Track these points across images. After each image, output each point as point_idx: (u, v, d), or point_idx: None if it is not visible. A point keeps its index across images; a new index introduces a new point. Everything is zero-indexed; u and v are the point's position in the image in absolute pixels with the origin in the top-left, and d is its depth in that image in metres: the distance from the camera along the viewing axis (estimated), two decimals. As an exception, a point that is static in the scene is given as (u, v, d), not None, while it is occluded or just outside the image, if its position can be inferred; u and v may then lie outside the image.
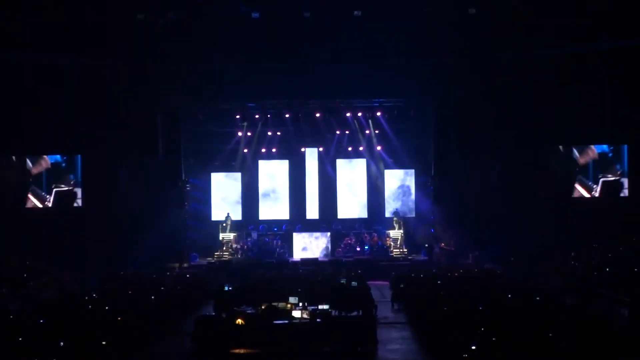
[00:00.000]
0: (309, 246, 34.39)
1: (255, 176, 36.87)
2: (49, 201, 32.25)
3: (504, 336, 13.83)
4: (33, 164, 32.36)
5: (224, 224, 34.81)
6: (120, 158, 32.08)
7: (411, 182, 36.49)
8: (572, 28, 27.17)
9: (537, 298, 18.82)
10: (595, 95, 30.14)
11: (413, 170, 36.42)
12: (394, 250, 33.72)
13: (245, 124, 35.04)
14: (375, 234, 34.60)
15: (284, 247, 34.20)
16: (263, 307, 18.53)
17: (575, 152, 32.77)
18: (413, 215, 36.12)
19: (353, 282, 22.65)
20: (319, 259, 32.42)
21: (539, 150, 32.59)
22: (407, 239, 34.58)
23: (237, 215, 35.76)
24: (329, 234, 34.64)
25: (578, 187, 32.61)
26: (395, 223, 34.61)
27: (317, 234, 34.70)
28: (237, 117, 34.44)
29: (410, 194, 36.45)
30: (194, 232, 35.33)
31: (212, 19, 27.32)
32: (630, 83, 29.45)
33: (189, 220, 34.96)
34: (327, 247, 34.30)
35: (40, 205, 32.13)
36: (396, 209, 35.57)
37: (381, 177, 36.60)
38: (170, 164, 33.58)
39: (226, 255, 33.76)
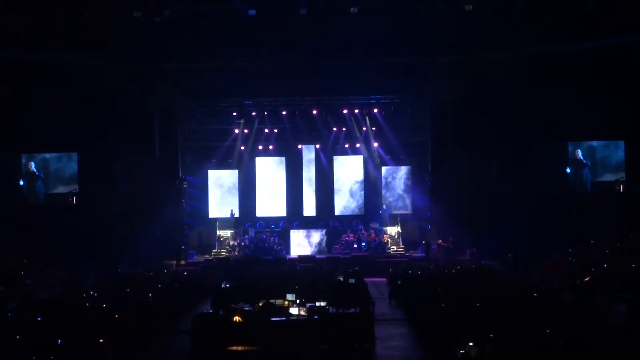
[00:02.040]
0: (304, 243, 34.42)
1: (252, 173, 36.86)
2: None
3: (502, 333, 13.84)
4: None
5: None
6: (117, 156, 32.03)
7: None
8: (570, 25, 27.15)
9: (535, 295, 18.83)
10: (592, 92, 30.06)
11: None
12: (391, 247, 33.78)
13: (242, 121, 35.12)
14: (373, 231, 34.60)
15: (281, 244, 34.21)
16: (260, 304, 18.52)
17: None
18: (407, 210, 36.14)
19: (350, 279, 22.65)
20: (317, 257, 32.37)
21: (537, 146, 32.52)
22: (404, 236, 34.61)
23: (234, 212, 35.75)
24: (324, 231, 34.67)
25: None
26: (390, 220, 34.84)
27: (311, 231, 34.72)
28: (234, 114, 34.54)
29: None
30: (191, 230, 35.33)
31: (208, 16, 27.27)
32: (628, 79, 29.41)
33: (186, 218, 34.99)
34: (319, 244, 34.33)
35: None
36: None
37: (378, 173, 36.60)
38: (167, 162, 33.70)
39: (224, 253, 33.82)
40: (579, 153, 32.49)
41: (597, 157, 32.42)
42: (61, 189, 32.61)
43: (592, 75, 29.61)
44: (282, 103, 34.19)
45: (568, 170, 32.45)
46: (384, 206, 35.74)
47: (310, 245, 34.39)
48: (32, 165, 32.45)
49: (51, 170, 32.73)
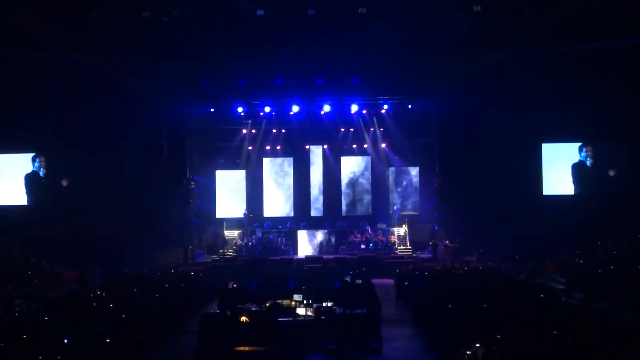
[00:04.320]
0: (312, 243, 34.49)
1: (260, 173, 36.91)
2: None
3: (508, 334, 13.83)
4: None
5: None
6: (125, 155, 32.00)
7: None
8: (573, 27, 27.10)
9: (542, 296, 18.80)
10: (597, 93, 30.07)
11: (405, 167, 36.58)
12: (399, 247, 33.79)
13: (249, 121, 35.09)
14: (380, 232, 34.63)
15: (289, 244, 34.26)
16: (267, 304, 18.53)
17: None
18: (414, 211, 36.16)
19: (358, 280, 22.64)
20: (324, 257, 32.37)
21: (544, 147, 32.51)
22: (412, 237, 34.63)
23: (241, 212, 35.84)
24: (331, 231, 34.74)
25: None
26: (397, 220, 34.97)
27: (319, 232, 34.77)
28: (242, 114, 34.40)
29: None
30: (198, 230, 35.36)
31: (217, 16, 27.29)
32: (632, 81, 29.34)
33: (193, 218, 34.98)
34: (326, 244, 34.39)
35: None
36: (396, 207, 35.80)
37: (386, 174, 36.61)
38: (175, 162, 33.66)
39: (231, 253, 33.86)
40: (582, 154, 32.37)
41: (609, 158, 32.26)
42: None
43: (598, 76, 29.57)
44: (290, 103, 34.15)
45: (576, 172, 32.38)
46: (395, 207, 35.78)
47: (317, 246, 34.44)
48: (36, 164, 32.30)
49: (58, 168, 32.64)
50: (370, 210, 36.94)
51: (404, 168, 36.56)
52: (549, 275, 25.81)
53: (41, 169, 32.21)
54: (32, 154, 32.29)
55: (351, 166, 37.11)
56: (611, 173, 31.66)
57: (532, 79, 30.59)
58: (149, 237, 30.82)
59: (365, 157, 36.99)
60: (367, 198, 37.04)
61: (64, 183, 31.77)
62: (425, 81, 31.52)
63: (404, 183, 36.54)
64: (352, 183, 37.03)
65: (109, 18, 26.76)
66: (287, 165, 37.15)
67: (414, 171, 36.48)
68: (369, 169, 37.03)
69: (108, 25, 27.00)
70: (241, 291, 21.27)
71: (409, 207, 36.25)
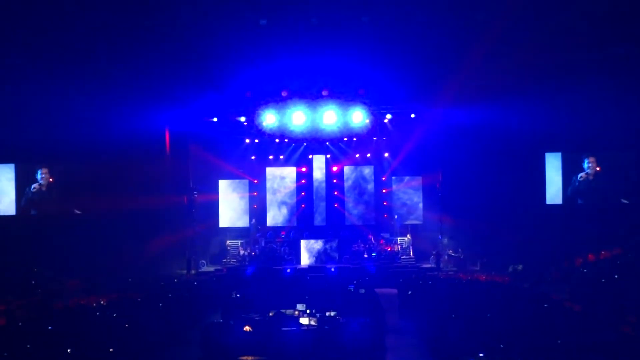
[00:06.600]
0: (314, 253, 34.44)
1: (263, 183, 36.92)
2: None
3: (512, 344, 13.80)
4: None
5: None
6: (127, 164, 31.89)
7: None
8: (576, 35, 27.08)
9: (546, 305, 18.77)
10: (601, 102, 30.02)
11: (408, 176, 36.50)
12: (402, 257, 33.74)
13: (252, 130, 35.05)
14: (383, 241, 34.61)
15: (292, 254, 34.21)
16: (271, 314, 18.53)
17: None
18: (418, 221, 36.11)
19: (361, 289, 22.62)
20: (327, 266, 32.32)
21: (548, 157, 32.49)
22: (415, 246, 34.59)
23: (244, 222, 35.87)
24: (334, 240, 34.71)
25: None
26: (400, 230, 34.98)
27: (322, 241, 34.70)
28: (245, 123, 34.36)
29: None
30: (201, 239, 35.32)
31: (219, 24, 27.32)
32: (636, 89, 29.31)
33: (196, 227, 34.94)
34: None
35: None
36: (397, 216, 35.81)
37: (389, 183, 36.59)
38: (178, 170, 33.61)
39: (234, 262, 33.82)
40: (585, 164, 32.34)
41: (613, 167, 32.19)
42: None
43: (604, 83, 29.51)
44: (293, 112, 34.08)
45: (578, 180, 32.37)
46: (396, 216, 35.76)
47: (320, 255, 34.37)
48: (39, 175, 32.30)
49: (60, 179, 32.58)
50: (373, 219, 36.92)
51: (407, 177, 36.51)
52: (553, 285, 25.75)
53: (42, 178, 32.10)
54: (34, 165, 32.27)
55: (354, 175, 37.10)
56: (624, 201, 31.60)
57: (535, 88, 30.53)
58: (152, 246, 30.76)
59: (368, 167, 36.98)
60: (370, 207, 37.01)
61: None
62: (428, 90, 31.49)
63: (407, 192, 36.49)
64: (355, 192, 37.02)
65: (110, 24, 26.76)
66: (290, 174, 37.12)
67: (417, 180, 36.41)
68: (372, 178, 37.01)
69: (109, 32, 27.01)
70: (244, 301, 21.27)
71: (412, 216, 36.20)
